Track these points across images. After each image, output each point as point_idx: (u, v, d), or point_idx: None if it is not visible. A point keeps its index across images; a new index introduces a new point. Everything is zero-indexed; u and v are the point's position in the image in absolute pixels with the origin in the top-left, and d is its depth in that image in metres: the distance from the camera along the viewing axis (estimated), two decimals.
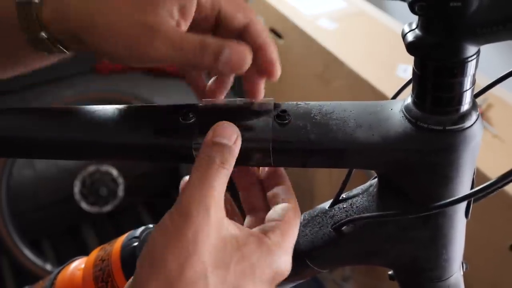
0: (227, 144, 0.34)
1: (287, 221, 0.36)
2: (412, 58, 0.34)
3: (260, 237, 0.34)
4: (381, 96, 1.20)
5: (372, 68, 1.28)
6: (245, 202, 0.41)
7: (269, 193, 0.39)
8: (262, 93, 0.41)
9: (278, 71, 0.39)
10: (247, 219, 0.40)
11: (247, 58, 0.36)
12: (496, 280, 1.04)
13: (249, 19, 0.38)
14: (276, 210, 0.37)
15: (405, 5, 0.31)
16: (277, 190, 0.39)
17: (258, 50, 0.38)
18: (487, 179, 0.95)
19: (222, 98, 0.42)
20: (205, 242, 0.31)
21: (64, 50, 0.39)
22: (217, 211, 0.32)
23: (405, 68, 1.28)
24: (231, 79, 0.42)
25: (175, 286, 0.29)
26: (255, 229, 0.35)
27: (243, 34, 0.38)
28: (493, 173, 0.96)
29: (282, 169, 0.41)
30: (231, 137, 0.34)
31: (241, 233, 0.33)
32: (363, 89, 1.26)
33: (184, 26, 0.36)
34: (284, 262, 0.35)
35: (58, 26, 0.37)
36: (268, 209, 0.38)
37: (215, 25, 0.38)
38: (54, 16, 0.36)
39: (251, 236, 0.33)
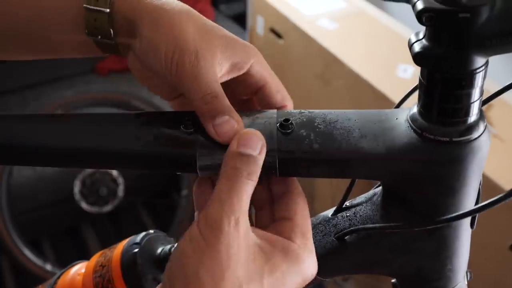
0: (253, 155, 0.34)
1: (302, 218, 0.36)
2: (412, 58, 0.33)
3: (286, 245, 0.34)
4: (381, 97, 1.20)
5: (372, 68, 1.28)
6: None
7: (274, 187, 0.39)
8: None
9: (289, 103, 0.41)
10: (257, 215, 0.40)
11: (231, 137, 0.36)
12: (496, 280, 1.04)
13: (284, 103, 0.40)
14: (287, 206, 0.36)
15: (406, 6, 0.31)
16: (281, 182, 0.38)
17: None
18: (487, 179, 0.95)
19: None
20: (238, 256, 0.31)
21: (111, 36, 0.38)
22: (245, 224, 0.32)
23: (405, 68, 1.28)
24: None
25: None
26: (277, 237, 0.34)
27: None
28: (493, 173, 0.96)
29: None
30: (256, 147, 0.34)
31: (267, 243, 0.33)
32: (363, 89, 1.26)
33: (221, 80, 0.38)
34: (311, 265, 0.35)
35: (124, 9, 0.38)
36: (272, 200, 0.38)
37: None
38: (124, 25, 0.38)
39: (277, 245, 0.33)
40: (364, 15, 1.49)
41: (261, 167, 0.34)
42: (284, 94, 0.41)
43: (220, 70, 0.37)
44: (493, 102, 1.19)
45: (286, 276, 0.32)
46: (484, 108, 1.05)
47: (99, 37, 0.38)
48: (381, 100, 1.19)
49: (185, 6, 0.38)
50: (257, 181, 0.34)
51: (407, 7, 0.31)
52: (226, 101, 0.36)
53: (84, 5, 0.38)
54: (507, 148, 1.05)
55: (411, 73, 1.23)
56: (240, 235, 0.31)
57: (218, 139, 0.36)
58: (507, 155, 1.03)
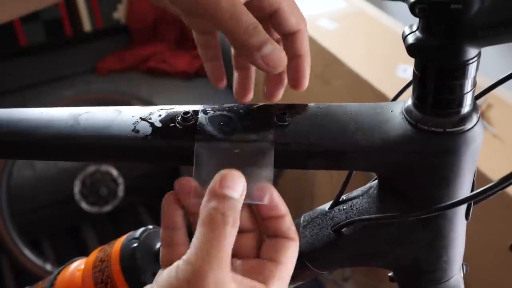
0: (237, 199, 0.33)
1: (287, 261, 0.35)
2: (412, 58, 0.34)
3: None
4: (381, 96, 1.20)
5: (372, 68, 1.28)
6: None
7: (266, 222, 0.36)
8: (279, 97, 0.41)
9: (306, 83, 0.40)
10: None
11: (283, 64, 0.35)
12: (496, 280, 1.04)
13: (300, 26, 0.39)
14: (274, 247, 0.35)
15: (405, 6, 0.31)
16: (275, 220, 0.36)
17: (296, 59, 0.39)
18: (487, 179, 0.95)
19: (279, 97, 0.42)
20: None
21: None
22: (226, 270, 0.31)
23: (405, 68, 1.28)
24: (285, 78, 0.42)
25: None
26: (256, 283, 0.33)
27: (289, 38, 0.39)
28: (493, 173, 0.96)
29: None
30: (236, 187, 0.33)
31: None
32: (363, 89, 1.26)
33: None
34: None
35: None
36: (255, 228, 0.36)
37: (266, 21, 0.38)
38: None
39: None
40: (364, 15, 1.50)
41: (239, 210, 0.33)
42: (298, 16, 0.38)
43: None
44: (493, 102, 1.18)
45: None
46: (484, 108, 1.06)
47: None
48: (381, 100, 1.19)
49: None
50: (237, 227, 0.33)
51: (406, 7, 0.31)
52: (264, 30, 0.35)
53: None
54: (507, 148, 1.05)
55: (411, 73, 1.23)
56: (221, 281, 0.31)
57: (270, 70, 0.34)
58: (507, 155, 1.03)
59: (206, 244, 0.31)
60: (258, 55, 0.34)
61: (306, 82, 0.40)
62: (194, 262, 0.31)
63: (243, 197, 0.33)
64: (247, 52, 0.35)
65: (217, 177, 0.33)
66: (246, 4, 0.36)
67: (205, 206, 0.33)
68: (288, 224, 0.35)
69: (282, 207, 0.35)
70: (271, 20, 0.39)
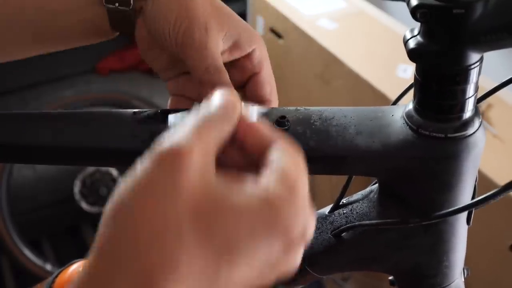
0: (226, 106, 0.27)
1: (288, 165, 0.26)
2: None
3: (263, 195, 0.24)
4: (381, 96, 1.20)
5: (372, 68, 1.28)
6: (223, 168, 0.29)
7: (247, 144, 0.28)
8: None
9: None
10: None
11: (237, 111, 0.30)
12: (496, 280, 1.04)
13: (271, 97, 0.41)
14: (268, 156, 0.26)
15: (405, 6, 0.31)
16: (253, 134, 0.27)
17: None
18: (487, 179, 0.95)
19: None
20: (182, 185, 0.23)
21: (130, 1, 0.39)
22: (202, 164, 0.24)
23: (405, 68, 1.28)
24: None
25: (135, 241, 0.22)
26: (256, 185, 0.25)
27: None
28: (493, 173, 0.96)
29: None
30: (230, 101, 0.27)
31: (236, 185, 0.24)
32: (363, 89, 1.26)
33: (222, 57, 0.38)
34: (292, 217, 0.24)
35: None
36: (251, 164, 0.27)
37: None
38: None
39: (250, 191, 0.24)
40: (364, 15, 1.49)
41: (235, 121, 0.27)
42: (273, 88, 0.40)
43: (223, 46, 0.37)
44: (493, 102, 1.18)
45: (243, 234, 0.23)
46: (484, 108, 1.05)
47: (117, 4, 0.37)
48: (381, 100, 1.19)
49: None
50: (227, 132, 0.26)
51: (406, 7, 0.31)
52: (227, 78, 0.36)
53: None
54: (507, 148, 1.04)
55: (411, 73, 1.22)
56: (194, 168, 0.23)
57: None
58: (507, 155, 1.03)
59: (192, 126, 0.25)
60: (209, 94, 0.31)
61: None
62: (174, 142, 0.24)
63: (239, 109, 0.27)
64: (202, 88, 0.37)
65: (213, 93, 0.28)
66: (230, 62, 0.39)
67: (196, 110, 0.27)
68: (266, 129, 0.27)
69: (255, 113, 0.28)
70: (248, 84, 0.40)
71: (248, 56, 0.40)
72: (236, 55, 0.39)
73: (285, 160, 0.26)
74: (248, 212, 0.23)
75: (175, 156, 0.23)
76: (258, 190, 0.24)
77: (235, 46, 0.39)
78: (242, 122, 0.27)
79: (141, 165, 0.24)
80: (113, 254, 0.22)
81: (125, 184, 0.24)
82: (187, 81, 0.42)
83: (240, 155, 0.27)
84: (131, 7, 0.38)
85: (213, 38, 0.36)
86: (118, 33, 0.40)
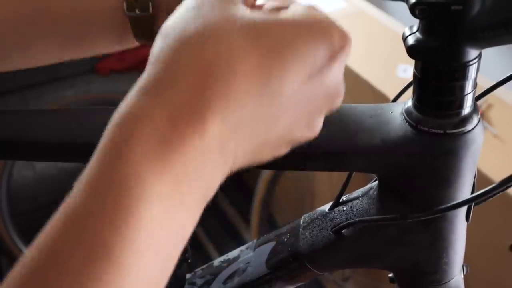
0: None
1: None
2: (412, 59, 0.33)
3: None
4: (381, 96, 1.20)
5: (372, 68, 1.28)
6: None
7: None
8: None
9: None
10: None
11: None
12: (496, 280, 1.04)
13: None
14: None
15: (405, 6, 0.31)
16: None
17: None
18: (487, 179, 0.95)
19: None
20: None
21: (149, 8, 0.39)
22: None
23: (405, 68, 1.28)
24: None
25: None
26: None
27: None
28: (493, 173, 0.96)
29: None
30: None
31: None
32: (363, 89, 1.26)
33: None
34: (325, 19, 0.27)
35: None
36: None
37: None
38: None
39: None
40: (364, 15, 1.50)
41: None
42: None
43: None
44: (493, 102, 1.18)
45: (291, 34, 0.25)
46: (484, 108, 1.05)
47: (137, 10, 0.38)
48: (381, 100, 1.19)
49: None
50: None
51: (406, 7, 0.31)
52: None
53: None
54: (507, 148, 1.05)
55: (411, 73, 1.23)
56: None
57: None
58: (507, 155, 1.03)
59: None
60: None
61: None
62: None
63: None
64: None
65: None
66: None
67: None
68: None
69: None
70: None
71: None
72: None
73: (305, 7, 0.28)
74: (294, 20, 0.26)
75: None
76: (293, 9, 0.27)
77: None
78: None
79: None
80: (171, 56, 0.24)
81: (174, 12, 0.26)
82: None
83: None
84: (150, 12, 0.38)
85: None
86: (140, 41, 0.40)
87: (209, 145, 0.23)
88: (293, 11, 0.27)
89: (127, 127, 0.22)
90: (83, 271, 0.20)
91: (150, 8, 0.38)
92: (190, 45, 0.24)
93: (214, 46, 0.24)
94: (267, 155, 0.28)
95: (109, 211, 0.21)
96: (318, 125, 0.30)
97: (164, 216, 0.22)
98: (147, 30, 0.39)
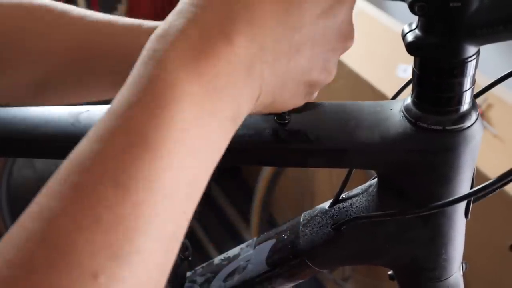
0: None
1: None
2: (412, 58, 0.34)
3: None
4: (381, 96, 1.20)
5: (372, 68, 1.28)
6: None
7: None
8: None
9: None
10: None
11: None
12: (496, 280, 1.04)
13: None
14: None
15: (405, 6, 0.31)
16: None
17: None
18: (487, 179, 0.95)
19: None
20: None
21: None
22: None
23: (405, 68, 1.28)
24: None
25: None
26: None
27: None
28: (493, 173, 0.96)
29: None
30: None
31: None
32: (363, 89, 1.26)
33: None
34: None
35: None
36: None
37: None
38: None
39: None
40: (364, 15, 1.50)
41: None
42: None
43: None
44: (493, 102, 1.18)
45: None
46: (484, 108, 1.05)
47: None
48: (381, 100, 1.19)
49: None
50: None
51: (406, 7, 0.31)
52: None
53: None
54: (507, 148, 1.05)
55: (411, 73, 1.23)
56: None
57: None
58: (507, 155, 1.03)
59: None
60: None
61: None
62: None
63: None
64: None
65: None
66: None
67: None
68: None
69: None
70: None
71: None
72: None
73: None
74: None
75: None
76: None
77: None
78: None
79: None
80: None
81: None
82: None
83: None
84: None
85: None
86: None
87: (236, 62, 0.26)
88: None
89: (165, 40, 0.25)
90: (122, 157, 0.22)
91: None
92: None
93: None
94: (287, 100, 0.31)
95: (146, 104, 0.23)
96: (333, 68, 0.33)
97: (196, 121, 0.24)
98: None
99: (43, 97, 0.45)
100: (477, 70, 0.32)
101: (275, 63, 0.28)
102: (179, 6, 0.27)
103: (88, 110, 0.42)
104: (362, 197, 0.42)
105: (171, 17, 0.27)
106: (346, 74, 1.31)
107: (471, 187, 0.37)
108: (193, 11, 0.26)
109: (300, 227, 0.44)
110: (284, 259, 0.45)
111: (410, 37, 0.32)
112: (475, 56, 0.31)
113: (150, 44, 0.26)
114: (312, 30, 0.29)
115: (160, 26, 0.26)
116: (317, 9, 0.29)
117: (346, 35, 0.32)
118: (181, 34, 0.25)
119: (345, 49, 0.33)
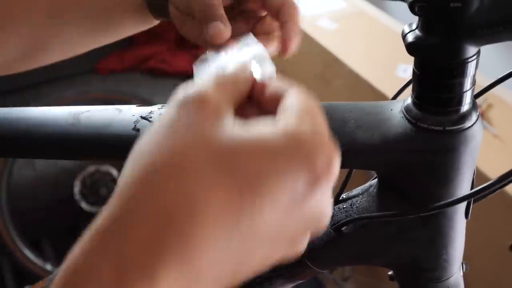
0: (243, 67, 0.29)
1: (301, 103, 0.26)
2: (412, 58, 0.34)
3: (289, 130, 0.24)
4: (381, 96, 1.20)
5: (372, 68, 1.28)
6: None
7: (262, 104, 0.28)
8: (292, 49, 0.41)
9: (292, 48, 0.40)
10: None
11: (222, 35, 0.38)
12: (496, 280, 1.04)
13: (285, 1, 0.40)
14: (282, 106, 0.26)
15: (405, 6, 0.31)
16: (265, 93, 0.28)
17: (284, 26, 0.40)
18: (487, 179, 0.95)
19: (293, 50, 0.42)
20: (205, 128, 0.23)
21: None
22: (225, 102, 0.25)
23: (405, 68, 1.28)
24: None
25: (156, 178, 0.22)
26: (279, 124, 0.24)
27: (279, 13, 0.40)
28: (493, 173, 0.96)
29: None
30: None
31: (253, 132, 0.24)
32: (363, 89, 1.26)
33: None
34: (318, 148, 0.24)
35: None
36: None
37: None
38: None
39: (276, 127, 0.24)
40: (364, 15, 1.50)
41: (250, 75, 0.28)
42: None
43: None
44: (493, 102, 1.18)
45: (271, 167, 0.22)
46: (484, 108, 1.05)
47: None
48: (381, 100, 1.19)
49: None
50: (247, 84, 0.27)
51: (406, 7, 0.31)
52: (220, 11, 0.38)
53: None
54: (507, 148, 1.05)
55: (411, 73, 1.23)
56: (213, 111, 0.23)
57: (210, 41, 0.38)
58: (507, 155, 1.03)
59: (212, 77, 0.26)
60: (204, 27, 0.38)
61: (292, 47, 0.40)
62: (194, 87, 0.25)
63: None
64: (201, 23, 0.39)
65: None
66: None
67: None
68: (274, 84, 0.28)
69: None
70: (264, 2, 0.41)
71: None
72: None
73: (301, 101, 0.26)
74: (269, 147, 0.23)
75: (198, 99, 0.24)
76: (278, 126, 0.24)
77: None
78: (257, 83, 0.28)
79: (167, 108, 0.24)
80: (131, 195, 0.22)
81: (150, 127, 0.24)
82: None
83: (257, 112, 0.27)
84: None
85: None
86: (159, 20, 0.45)
87: None
88: (284, 126, 0.24)
89: (75, 282, 0.21)
90: None
91: None
92: (152, 184, 0.22)
93: (178, 187, 0.21)
94: (240, 280, 0.25)
95: None
96: (302, 246, 0.27)
97: None
98: (161, 9, 0.43)
99: (31, 60, 0.45)
100: (477, 70, 0.32)
101: (220, 276, 0.23)
102: (101, 218, 0.22)
103: (88, 110, 0.42)
104: (362, 197, 0.42)
105: (88, 235, 0.22)
106: (346, 74, 1.31)
107: (471, 188, 0.37)
108: (113, 234, 0.21)
109: None
110: None
111: (410, 38, 0.32)
112: (475, 57, 0.31)
113: (61, 276, 0.21)
114: (271, 231, 0.23)
115: (76, 245, 0.22)
116: (277, 211, 0.23)
117: (319, 219, 0.26)
118: (93, 272, 0.20)
119: (317, 229, 0.26)
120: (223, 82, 0.26)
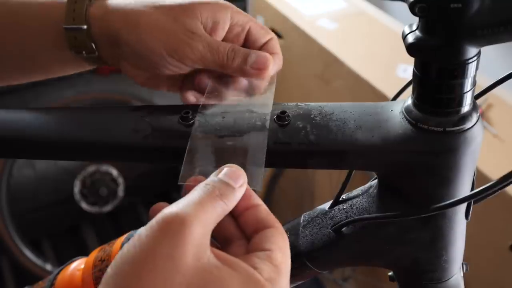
0: (231, 185, 0.32)
1: (275, 248, 0.31)
2: (412, 58, 0.34)
3: (250, 273, 0.28)
4: (381, 96, 1.20)
5: (372, 68, 1.28)
6: (217, 235, 0.34)
7: (243, 218, 0.33)
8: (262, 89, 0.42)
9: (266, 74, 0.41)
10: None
11: (270, 61, 0.40)
12: (496, 280, 1.04)
13: (271, 36, 0.43)
14: (262, 236, 0.32)
15: (405, 6, 0.31)
16: (252, 212, 0.33)
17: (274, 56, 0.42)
18: (487, 179, 0.95)
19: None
20: (181, 261, 0.26)
21: (94, 50, 0.41)
22: (201, 236, 0.28)
23: (405, 68, 1.28)
24: (243, 83, 0.43)
25: None
26: (240, 262, 0.29)
27: (264, 48, 0.42)
28: (493, 173, 0.96)
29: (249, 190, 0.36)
30: (237, 180, 0.32)
31: (225, 265, 0.28)
32: (363, 89, 1.26)
33: (216, 38, 0.40)
34: None
35: (101, 22, 0.40)
36: (243, 236, 0.33)
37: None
38: (100, 12, 0.40)
39: (238, 269, 0.28)
40: (364, 15, 1.50)
41: (237, 201, 0.32)
42: (265, 29, 0.42)
43: (209, 34, 0.40)
44: (493, 102, 1.18)
45: None
46: (484, 108, 1.05)
47: (84, 53, 0.41)
48: (381, 100, 1.19)
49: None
50: (228, 209, 0.31)
51: (406, 7, 0.31)
52: (241, 47, 0.40)
53: (63, 25, 0.40)
54: (507, 148, 1.05)
55: (411, 73, 1.23)
56: (191, 242, 0.27)
57: (262, 71, 0.39)
58: (507, 155, 1.03)
59: (188, 200, 0.29)
60: (247, 67, 0.39)
61: (268, 74, 0.41)
62: (180, 210, 0.28)
63: (241, 190, 0.32)
64: (237, 71, 0.39)
65: (218, 169, 0.33)
66: (224, 39, 0.41)
67: (204, 184, 0.31)
68: (265, 212, 0.33)
69: (256, 197, 0.34)
70: (246, 41, 0.42)
71: (232, 23, 0.41)
72: (221, 33, 0.41)
73: (275, 244, 0.31)
74: None
75: (178, 224, 0.27)
76: (246, 271, 0.28)
77: (215, 23, 0.40)
78: (243, 200, 0.32)
79: (146, 230, 0.27)
80: None
81: (129, 247, 0.27)
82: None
83: (234, 226, 0.33)
84: (98, 55, 0.41)
85: (206, 33, 0.39)
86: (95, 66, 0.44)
87: None
88: (248, 273, 0.28)
89: None
90: None
91: (96, 51, 0.40)
92: None
93: None
94: None
95: None
96: None
97: None
98: (95, 60, 0.42)
99: None
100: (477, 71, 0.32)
101: None
102: None
103: (87, 111, 0.42)
104: (362, 198, 0.42)
105: None
106: (346, 74, 1.31)
107: (472, 188, 0.37)
108: None
109: (300, 228, 0.44)
110: None
111: (410, 38, 0.32)
112: (475, 58, 0.31)
113: None
114: None
115: None
116: None
117: None
118: None
119: None
120: (208, 201, 0.30)
